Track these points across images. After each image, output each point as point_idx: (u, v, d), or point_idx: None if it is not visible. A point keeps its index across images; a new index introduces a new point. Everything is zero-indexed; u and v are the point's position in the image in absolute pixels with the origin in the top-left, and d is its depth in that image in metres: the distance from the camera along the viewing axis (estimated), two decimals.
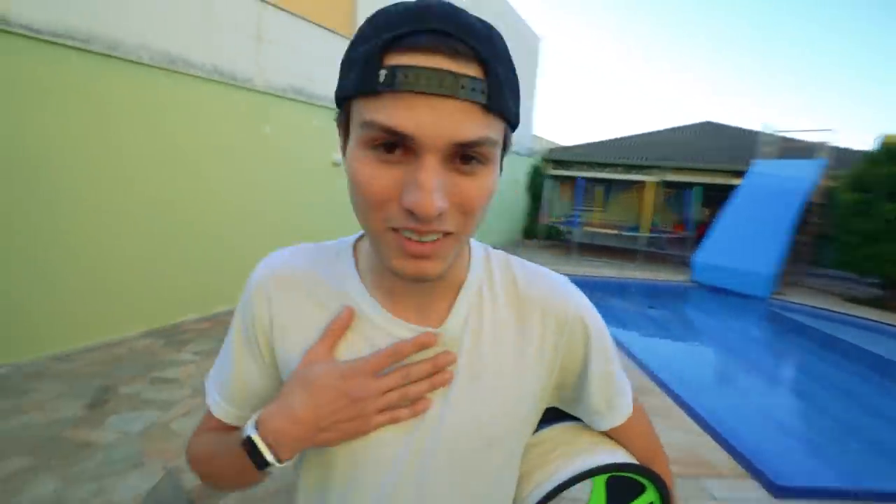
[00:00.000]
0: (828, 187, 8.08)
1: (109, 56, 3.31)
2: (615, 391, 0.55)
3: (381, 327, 0.48)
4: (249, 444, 0.43)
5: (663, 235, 11.03)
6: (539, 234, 11.99)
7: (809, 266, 8.81)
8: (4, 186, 2.89)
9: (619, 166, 11.54)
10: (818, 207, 8.12)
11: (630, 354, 4.11)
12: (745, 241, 7.54)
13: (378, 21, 0.36)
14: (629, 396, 0.57)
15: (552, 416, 0.59)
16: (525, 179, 12.22)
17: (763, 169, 8.81)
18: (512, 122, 0.39)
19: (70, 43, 3.08)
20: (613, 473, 0.55)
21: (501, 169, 0.43)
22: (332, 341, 0.47)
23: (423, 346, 0.46)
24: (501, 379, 0.48)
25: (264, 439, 0.43)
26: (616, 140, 13.74)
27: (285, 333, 0.50)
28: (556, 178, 12.35)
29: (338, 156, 5.35)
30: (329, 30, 5.37)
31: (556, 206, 12.36)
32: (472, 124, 0.35)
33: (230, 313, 4.33)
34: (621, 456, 0.56)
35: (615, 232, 10.45)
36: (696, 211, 10.47)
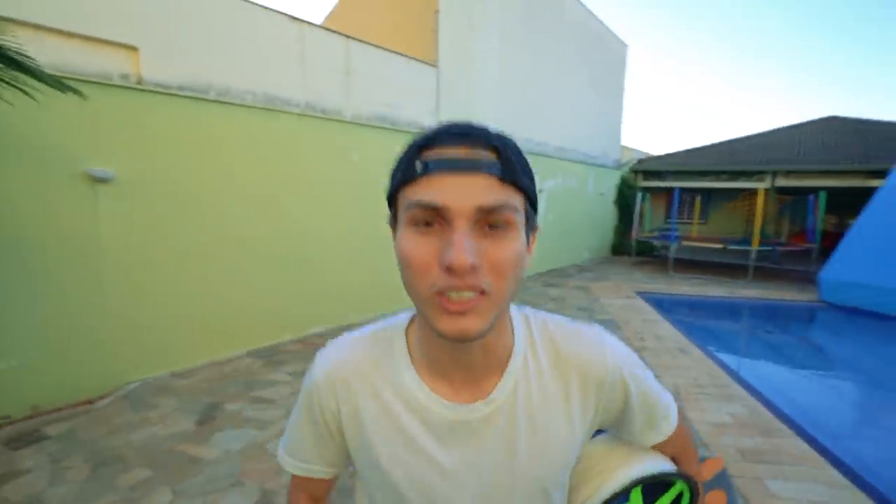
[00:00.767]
0: None
1: (220, 102, 3.76)
2: (658, 416, 0.63)
3: (435, 412, 0.54)
4: None
5: (779, 248, 9.73)
6: (630, 250, 11.25)
7: None
8: (158, 226, 3.40)
9: (724, 173, 10.47)
10: None
11: (745, 385, 3.60)
12: (888, 253, 6.35)
13: (415, 137, 0.48)
14: (673, 415, 0.64)
15: None
16: (613, 192, 11.63)
17: None
18: (528, 194, 0.47)
19: (190, 94, 3.54)
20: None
21: (529, 242, 0.50)
22: None
23: None
24: (554, 431, 0.56)
25: None
26: (717, 145, 12.46)
27: (351, 421, 0.57)
28: (647, 189, 11.54)
29: None
30: (411, 57, 5.60)
31: (648, 219, 11.48)
32: (492, 192, 0.43)
33: (320, 335, 4.56)
34: (654, 464, 0.64)
35: (720, 246, 9.39)
36: (820, 219, 9.07)
